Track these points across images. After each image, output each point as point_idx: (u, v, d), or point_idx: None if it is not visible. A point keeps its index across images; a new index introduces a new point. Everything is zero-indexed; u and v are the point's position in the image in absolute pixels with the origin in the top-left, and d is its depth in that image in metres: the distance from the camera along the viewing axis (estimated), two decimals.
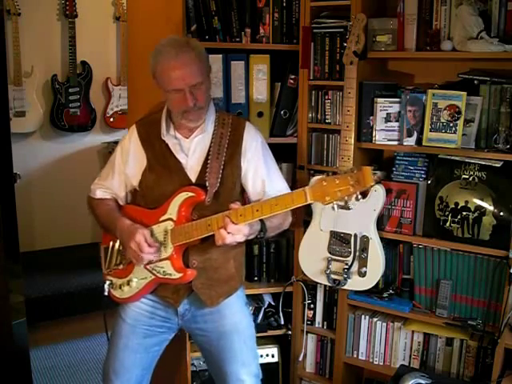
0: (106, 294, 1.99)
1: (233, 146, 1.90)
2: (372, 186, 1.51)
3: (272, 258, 2.54)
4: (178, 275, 1.85)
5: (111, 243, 2.00)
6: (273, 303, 2.59)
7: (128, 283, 1.95)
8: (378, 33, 2.17)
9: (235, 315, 2.01)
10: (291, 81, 2.40)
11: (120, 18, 4.04)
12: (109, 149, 4.05)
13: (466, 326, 2.13)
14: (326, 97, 2.33)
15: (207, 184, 1.84)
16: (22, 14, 3.65)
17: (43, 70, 3.84)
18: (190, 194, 1.83)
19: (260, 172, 1.93)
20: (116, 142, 4.09)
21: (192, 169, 1.89)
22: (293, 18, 2.36)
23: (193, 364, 2.50)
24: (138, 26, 2.43)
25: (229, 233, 1.69)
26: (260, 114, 2.42)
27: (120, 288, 1.97)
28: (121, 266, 1.97)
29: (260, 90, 2.40)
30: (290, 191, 1.89)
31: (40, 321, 3.24)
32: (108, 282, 2.00)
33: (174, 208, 1.85)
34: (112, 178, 1.99)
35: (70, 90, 3.90)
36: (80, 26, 3.86)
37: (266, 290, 2.55)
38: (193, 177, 1.89)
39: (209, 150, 1.88)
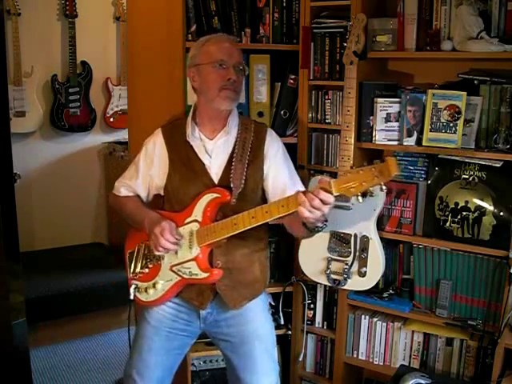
0: (131, 297, 2.00)
1: (255, 149, 1.94)
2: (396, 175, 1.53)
3: (272, 257, 2.54)
4: (204, 275, 1.86)
5: (136, 247, 2.03)
6: (273, 303, 2.59)
7: (154, 286, 1.95)
8: (378, 33, 2.17)
9: (257, 319, 2.02)
10: (291, 81, 2.40)
11: (120, 18, 4.04)
12: (109, 149, 4.05)
13: (466, 326, 2.13)
14: (326, 97, 2.33)
15: (232, 185, 1.87)
16: (22, 13, 3.65)
17: (43, 70, 3.83)
18: (215, 195, 1.86)
19: (281, 175, 1.95)
20: (116, 142, 4.11)
21: (215, 170, 1.92)
22: (293, 18, 2.36)
23: (193, 364, 2.50)
24: (137, 26, 2.43)
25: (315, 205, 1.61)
26: (260, 114, 2.42)
27: (146, 291, 1.97)
28: (146, 270, 1.98)
29: (260, 90, 2.41)
30: None
31: (40, 321, 3.23)
32: (134, 286, 2.00)
33: (199, 210, 1.87)
34: (136, 179, 2.03)
35: (70, 90, 3.90)
36: (80, 26, 3.85)
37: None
38: (215, 178, 1.92)
39: (232, 153, 1.92)
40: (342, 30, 2.22)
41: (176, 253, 1.90)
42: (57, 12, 3.85)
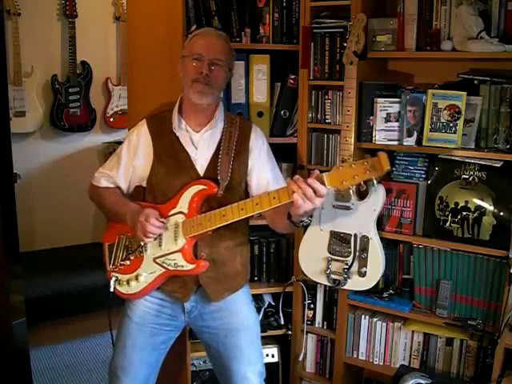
0: (111, 290, 1.99)
1: (241, 143, 1.96)
2: (388, 171, 1.58)
3: (272, 257, 2.54)
4: (190, 266, 1.87)
5: (117, 239, 2.02)
6: (273, 303, 2.59)
7: (136, 278, 1.96)
8: (378, 33, 2.17)
9: (242, 312, 2.05)
10: (291, 81, 2.40)
11: (120, 18, 4.05)
12: (109, 149, 4.05)
13: (466, 325, 2.13)
14: (326, 97, 2.33)
15: (219, 177, 1.89)
16: (22, 14, 3.65)
17: (43, 70, 3.84)
18: (202, 186, 1.87)
19: (265, 170, 2.00)
20: (116, 142, 4.11)
21: (200, 162, 1.93)
22: (293, 18, 2.36)
23: (193, 364, 2.49)
24: (138, 26, 2.43)
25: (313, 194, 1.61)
26: (260, 114, 2.42)
27: (127, 284, 1.98)
28: (127, 262, 1.98)
29: (260, 90, 2.41)
30: None
31: (40, 321, 3.23)
32: (114, 279, 2.00)
33: (184, 201, 1.88)
34: (117, 170, 2.02)
35: (70, 90, 3.90)
36: (80, 26, 3.86)
37: (266, 290, 2.55)
38: (200, 171, 1.93)
39: (219, 146, 1.94)
40: (341, 30, 2.22)
41: (160, 245, 1.91)
42: (57, 12, 3.86)
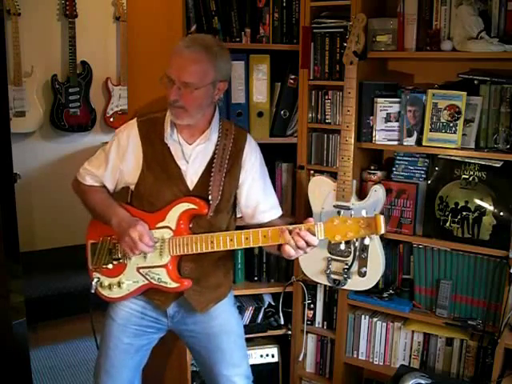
0: (92, 291, 1.94)
1: (233, 157, 1.89)
2: (383, 234, 1.61)
3: (272, 257, 2.54)
4: (174, 284, 1.85)
5: (101, 239, 1.95)
6: (273, 303, 2.59)
7: (119, 284, 1.91)
8: (378, 33, 2.17)
9: (223, 316, 2.01)
10: (291, 81, 2.40)
11: (120, 18, 4.04)
12: None
13: (466, 325, 2.13)
14: (326, 97, 2.33)
15: (210, 197, 1.83)
16: (22, 14, 3.65)
17: (43, 70, 3.83)
18: (192, 206, 1.82)
19: (256, 185, 1.94)
20: None
21: (190, 177, 1.87)
22: (293, 18, 2.36)
23: (193, 364, 2.49)
24: (138, 26, 2.43)
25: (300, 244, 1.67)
26: (260, 114, 2.42)
27: (109, 288, 1.93)
28: (110, 266, 1.92)
29: (260, 90, 2.41)
30: (279, 208, 1.99)
31: (40, 321, 3.24)
32: (96, 280, 1.93)
33: (173, 217, 1.83)
34: (105, 170, 1.94)
35: (70, 90, 3.90)
36: (80, 26, 3.86)
37: (266, 290, 2.55)
38: (190, 185, 1.87)
39: (212, 162, 1.87)
40: (341, 29, 2.22)
41: (144, 256, 1.86)
42: (57, 12, 3.85)
